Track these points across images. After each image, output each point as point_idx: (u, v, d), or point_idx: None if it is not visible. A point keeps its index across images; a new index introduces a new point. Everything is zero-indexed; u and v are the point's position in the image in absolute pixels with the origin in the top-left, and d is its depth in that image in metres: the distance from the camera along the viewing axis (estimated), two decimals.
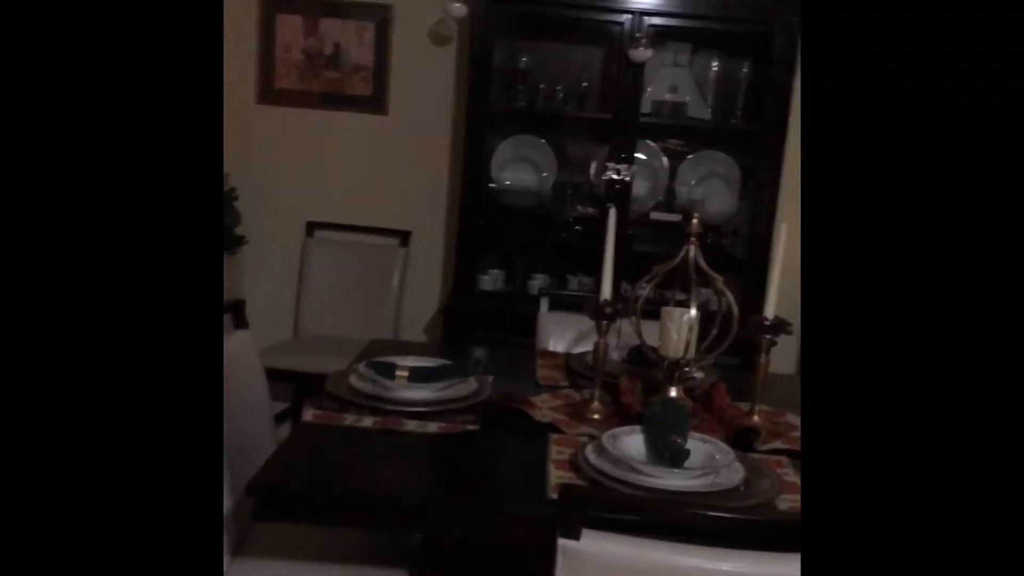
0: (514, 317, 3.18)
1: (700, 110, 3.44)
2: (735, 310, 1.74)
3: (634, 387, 1.87)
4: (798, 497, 1.46)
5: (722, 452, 1.49)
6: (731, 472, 1.45)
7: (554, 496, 1.37)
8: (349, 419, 1.66)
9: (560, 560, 1.12)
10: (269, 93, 3.58)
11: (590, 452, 1.50)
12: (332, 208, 3.66)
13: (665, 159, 3.49)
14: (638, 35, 3.10)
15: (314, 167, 3.66)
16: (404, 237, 3.64)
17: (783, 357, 3.46)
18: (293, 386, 3.26)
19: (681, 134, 3.52)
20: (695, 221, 1.78)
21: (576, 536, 1.11)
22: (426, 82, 3.57)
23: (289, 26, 3.54)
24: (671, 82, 3.43)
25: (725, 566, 1.11)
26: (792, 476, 1.55)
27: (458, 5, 3.17)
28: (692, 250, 1.78)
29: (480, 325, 3.28)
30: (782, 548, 1.12)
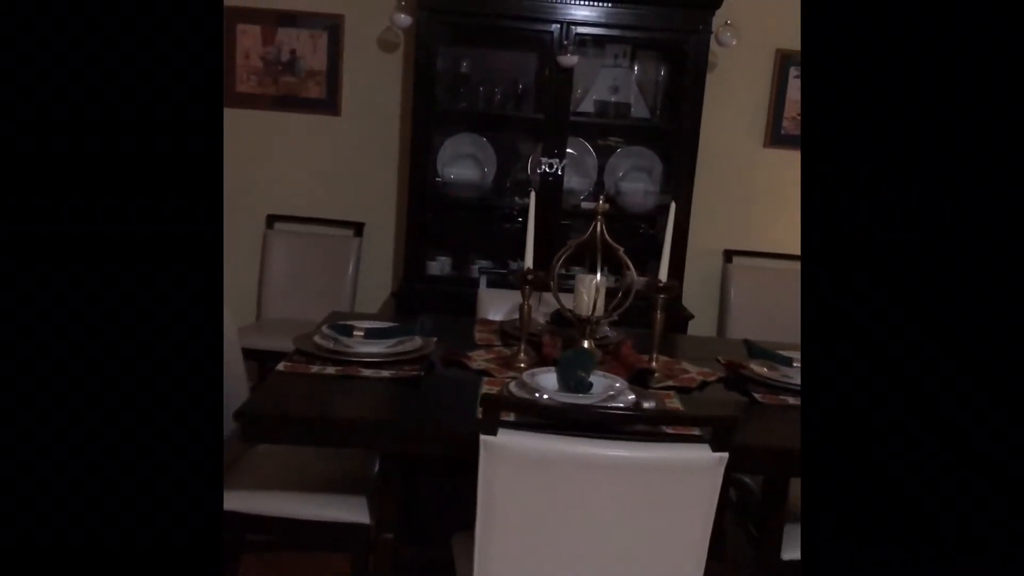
0: (459, 298, 3.52)
1: (641, 110, 3.83)
2: (634, 275, 2.10)
3: (555, 343, 2.22)
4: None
5: (619, 383, 1.85)
6: (625, 397, 1.81)
7: None
8: (315, 369, 1.98)
9: (483, 453, 1.46)
10: (231, 97, 3.87)
11: (513, 386, 1.85)
12: (290, 202, 3.97)
13: (595, 155, 3.86)
14: (566, 43, 3.47)
15: (273, 165, 3.96)
16: (358, 228, 3.97)
17: (706, 324, 3.90)
18: (257, 364, 3.56)
19: (613, 131, 3.90)
20: (601, 202, 2.15)
21: (494, 432, 1.45)
22: (376, 85, 3.90)
23: (248, 35, 3.84)
24: (611, 82, 3.82)
25: (610, 451, 1.46)
26: (676, 403, 1.92)
27: (403, 16, 3.50)
28: (599, 226, 2.14)
29: (429, 306, 3.58)
30: (655, 439, 1.49)
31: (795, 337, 3.74)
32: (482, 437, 1.45)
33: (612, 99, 3.80)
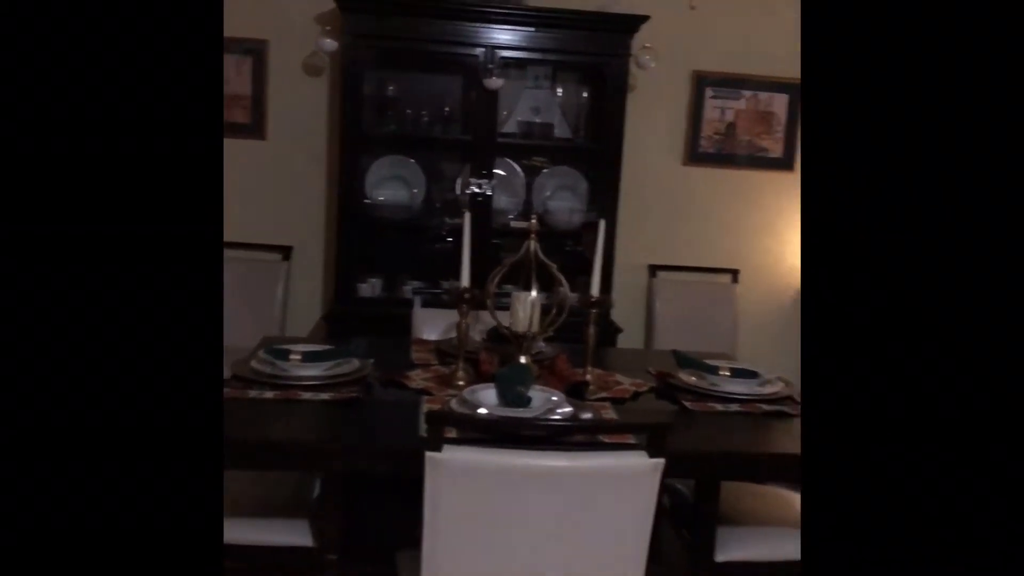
0: (392, 319, 3.53)
1: (564, 130, 3.92)
2: (568, 292, 2.17)
3: (492, 360, 2.27)
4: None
5: (557, 396, 1.91)
6: (563, 409, 1.87)
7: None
8: (253, 393, 1.98)
9: (428, 469, 1.49)
10: None
11: (454, 403, 1.89)
12: None
13: (522, 175, 3.94)
14: (491, 66, 3.54)
15: None
16: (286, 252, 3.95)
17: (634, 337, 4.00)
18: None
19: (537, 152, 3.98)
20: (534, 221, 2.21)
21: (439, 448, 1.49)
22: (302, 110, 3.90)
23: None
24: (533, 103, 3.91)
25: (552, 462, 1.51)
26: (611, 414, 1.99)
27: (329, 40, 3.53)
28: (533, 245, 2.20)
29: (360, 329, 3.59)
30: (594, 448, 1.55)
31: (719, 346, 3.88)
32: (427, 454, 1.49)
33: (537, 119, 3.88)
